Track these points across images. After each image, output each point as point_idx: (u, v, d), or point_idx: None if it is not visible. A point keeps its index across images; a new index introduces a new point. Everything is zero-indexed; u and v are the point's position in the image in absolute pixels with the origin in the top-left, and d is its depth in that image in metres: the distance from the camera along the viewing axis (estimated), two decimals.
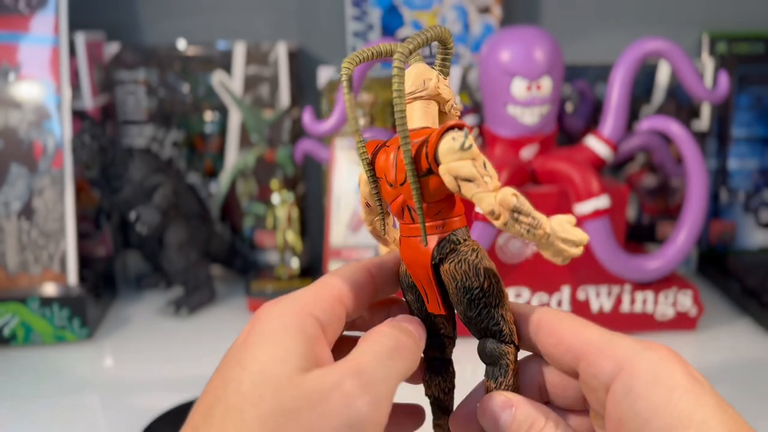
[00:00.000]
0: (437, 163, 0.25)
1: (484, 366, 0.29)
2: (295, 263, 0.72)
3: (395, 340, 0.26)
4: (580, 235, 0.25)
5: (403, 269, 0.28)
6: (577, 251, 0.25)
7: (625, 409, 0.24)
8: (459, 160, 0.24)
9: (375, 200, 0.28)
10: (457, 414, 0.30)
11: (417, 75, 0.27)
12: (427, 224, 0.26)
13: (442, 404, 0.30)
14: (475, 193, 0.24)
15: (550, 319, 0.27)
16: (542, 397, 0.29)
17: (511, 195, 0.24)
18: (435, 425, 0.30)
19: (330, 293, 0.27)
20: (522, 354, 0.29)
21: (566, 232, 0.24)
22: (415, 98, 0.27)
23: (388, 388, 0.24)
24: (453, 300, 0.27)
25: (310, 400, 0.23)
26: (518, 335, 0.28)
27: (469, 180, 0.24)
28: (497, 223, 0.24)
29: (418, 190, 0.25)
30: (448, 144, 0.24)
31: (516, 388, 0.28)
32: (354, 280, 0.28)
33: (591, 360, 0.25)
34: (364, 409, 0.23)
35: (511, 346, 0.27)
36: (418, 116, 0.27)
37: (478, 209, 0.27)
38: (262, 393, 0.23)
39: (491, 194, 0.24)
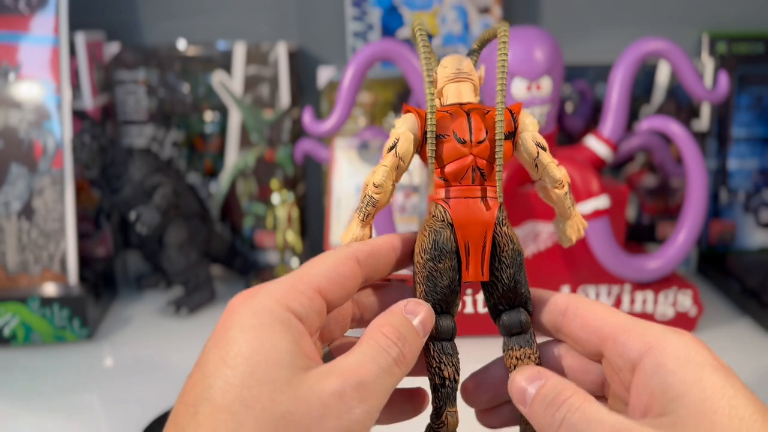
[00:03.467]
0: (520, 130, 0.29)
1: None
2: (295, 263, 0.72)
3: (397, 351, 0.26)
4: (585, 222, 0.32)
5: (446, 235, 0.28)
6: (584, 233, 0.32)
7: (655, 384, 0.24)
8: (538, 132, 0.29)
9: (430, 156, 0.28)
10: (470, 383, 0.30)
11: (469, 62, 0.31)
12: (494, 187, 0.29)
13: (455, 387, 0.29)
14: (549, 162, 0.29)
15: (576, 303, 0.28)
16: None
17: (566, 171, 0.30)
18: (448, 414, 0.29)
19: (309, 285, 0.26)
20: (540, 339, 0.30)
21: (580, 216, 0.32)
22: (465, 79, 0.30)
23: (383, 399, 0.25)
24: (505, 263, 0.28)
25: (309, 404, 0.23)
26: (542, 319, 0.30)
27: (544, 149, 0.29)
28: (559, 192, 0.30)
29: (502, 149, 0.28)
30: (532, 117, 0.30)
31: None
32: (337, 271, 0.27)
33: (618, 340, 0.26)
34: (361, 417, 0.23)
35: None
36: (468, 94, 0.30)
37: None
38: (257, 394, 0.22)
39: (557, 167, 0.30)
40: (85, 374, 0.58)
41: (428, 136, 0.28)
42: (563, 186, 0.30)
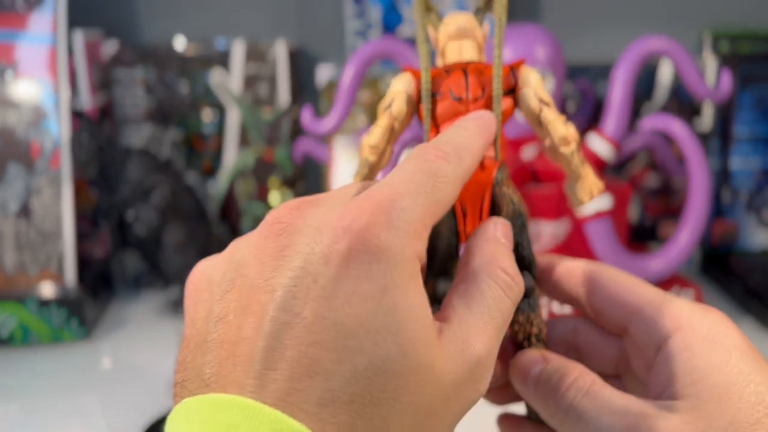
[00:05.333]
0: (520, 87, 0.28)
1: None
2: None
3: (516, 291, 0.23)
4: (600, 183, 0.29)
5: None
6: (598, 194, 0.29)
7: (679, 365, 0.23)
8: (542, 87, 0.28)
9: (426, 115, 0.27)
10: None
11: (472, 19, 0.29)
12: (493, 146, 0.27)
13: None
14: (553, 118, 0.28)
15: (601, 273, 0.27)
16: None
17: (575, 128, 0.28)
18: None
19: (433, 220, 0.21)
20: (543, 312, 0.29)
21: (594, 176, 0.29)
22: (468, 36, 0.29)
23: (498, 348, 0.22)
24: None
25: (446, 392, 0.19)
26: (562, 288, 0.29)
27: (548, 105, 0.28)
28: (566, 149, 0.28)
29: (500, 105, 0.27)
30: (536, 72, 0.28)
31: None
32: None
33: (646, 317, 0.25)
34: (483, 389, 0.21)
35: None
36: (469, 52, 0.29)
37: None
38: (398, 389, 0.18)
39: (563, 123, 0.28)
40: (84, 375, 0.57)
41: (423, 95, 0.27)
42: (569, 144, 0.28)
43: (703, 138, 0.75)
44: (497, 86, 0.27)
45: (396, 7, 0.73)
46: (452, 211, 0.27)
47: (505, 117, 0.28)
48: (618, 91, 0.61)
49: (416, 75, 0.28)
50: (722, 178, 0.76)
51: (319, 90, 0.74)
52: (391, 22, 0.73)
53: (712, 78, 0.73)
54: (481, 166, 0.27)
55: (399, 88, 0.28)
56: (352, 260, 0.18)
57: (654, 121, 0.62)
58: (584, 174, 0.29)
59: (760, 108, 0.75)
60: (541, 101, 0.28)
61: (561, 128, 0.27)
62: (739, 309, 0.67)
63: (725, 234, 0.78)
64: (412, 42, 0.73)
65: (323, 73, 0.73)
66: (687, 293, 0.61)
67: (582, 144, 0.63)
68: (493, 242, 0.24)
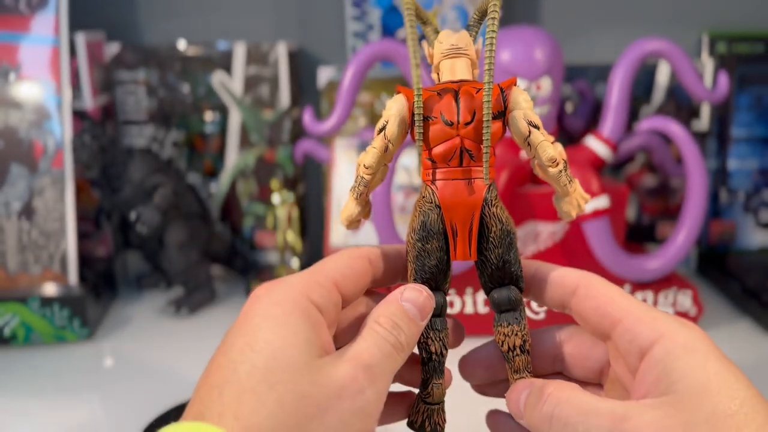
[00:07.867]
0: (510, 109, 0.29)
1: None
2: (295, 263, 0.72)
3: (394, 339, 0.27)
4: (588, 195, 0.31)
5: (433, 217, 0.29)
6: (585, 208, 0.31)
7: (661, 369, 0.25)
8: (531, 109, 0.28)
9: (417, 138, 0.28)
10: (466, 360, 0.32)
11: (465, 36, 0.30)
12: (482, 168, 0.28)
13: (442, 361, 0.30)
14: (541, 141, 0.28)
15: (589, 283, 0.29)
16: (554, 368, 0.31)
17: (563, 148, 0.29)
18: (434, 385, 0.30)
19: (327, 278, 0.27)
20: (537, 324, 0.31)
21: (582, 190, 0.31)
22: (461, 54, 0.29)
23: (389, 380, 0.27)
24: (493, 243, 0.29)
25: (327, 387, 0.24)
26: (548, 295, 0.30)
27: (537, 127, 0.28)
28: (553, 171, 0.29)
29: (490, 131, 0.27)
30: (525, 94, 0.29)
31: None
32: (351, 267, 0.28)
33: (630, 326, 0.27)
34: (372, 397, 0.25)
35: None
36: (462, 70, 0.29)
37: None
38: (279, 377, 0.24)
39: (551, 144, 0.28)
40: (86, 374, 0.58)
41: (415, 119, 0.28)
42: (557, 164, 0.29)
43: (701, 139, 0.76)
44: (487, 112, 0.27)
45: (396, 9, 0.73)
46: (443, 231, 0.29)
47: (495, 139, 0.28)
48: (616, 92, 0.62)
49: (409, 96, 0.29)
50: (720, 178, 0.77)
51: (320, 91, 0.75)
52: (390, 23, 0.74)
53: (709, 79, 0.74)
54: (473, 187, 0.28)
55: (393, 111, 0.29)
56: (248, 312, 0.27)
57: (652, 122, 0.63)
58: (572, 190, 0.30)
59: (758, 109, 0.76)
60: (530, 123, 0.28)
61: (549, 150, 0.28)
62: (737, 309, 0.68)
63: (723, 234, 0.78)
64: None
65: (324, 75, 0.74)
66: (684, 293, 0.61)
67: (580, 146, 0.64)
68: (386, 302, 0.28)
